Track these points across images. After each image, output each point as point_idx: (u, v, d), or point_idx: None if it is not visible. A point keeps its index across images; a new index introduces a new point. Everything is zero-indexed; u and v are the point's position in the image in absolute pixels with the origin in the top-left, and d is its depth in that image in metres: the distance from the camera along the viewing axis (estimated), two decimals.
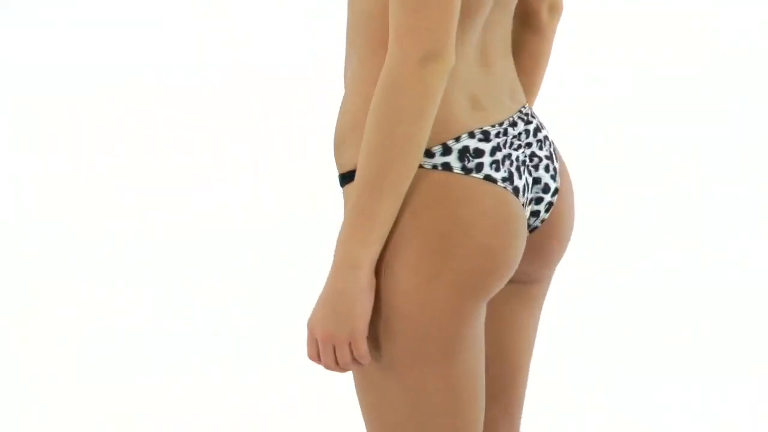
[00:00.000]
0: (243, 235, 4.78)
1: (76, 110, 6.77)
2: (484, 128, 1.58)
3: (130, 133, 6.30)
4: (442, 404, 1.58)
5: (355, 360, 1.55)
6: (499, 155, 1.58)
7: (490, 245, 1.55)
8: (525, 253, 1.69)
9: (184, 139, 6.22)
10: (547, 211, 1.67)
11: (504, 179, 1.59)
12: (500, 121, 1.61)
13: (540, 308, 1.79)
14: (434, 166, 1.55)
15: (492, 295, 1.59)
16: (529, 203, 1.65)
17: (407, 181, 1.49)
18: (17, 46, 8.28)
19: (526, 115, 1.67)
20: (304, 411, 3.30)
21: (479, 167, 1.56)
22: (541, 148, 1.67)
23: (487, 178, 1.57)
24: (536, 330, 1.80)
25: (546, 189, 1.66)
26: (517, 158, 1.62)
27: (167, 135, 6.30)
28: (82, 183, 5.48)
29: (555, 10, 1.75)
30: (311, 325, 1.54)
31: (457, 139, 1.56)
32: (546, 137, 1.69)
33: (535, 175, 1.65)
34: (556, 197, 1.68)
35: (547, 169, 1.67)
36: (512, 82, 1.67)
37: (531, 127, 1.66)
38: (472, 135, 1.57)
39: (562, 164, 1.71)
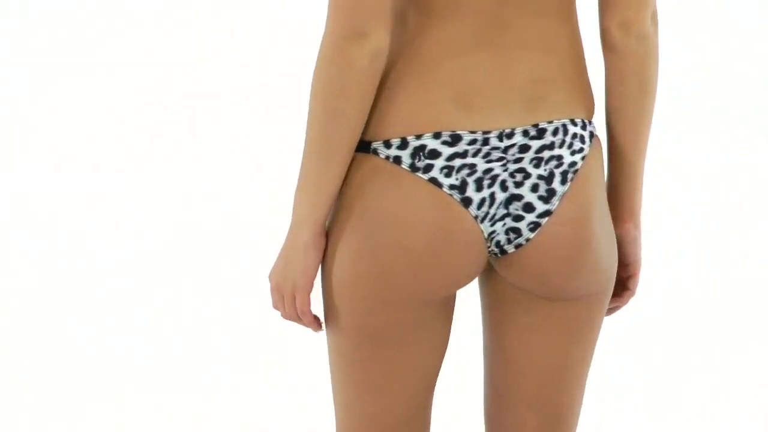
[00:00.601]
0: (241, 235, 4.80)
1: (77, 110, 6.76)
2: (457, 132, 1.58)
3: (130, 133, 6.29)
4: (363, 394, 1.70)
5: (309, 317, 1.67)
6: (457, 162, 1.59)
7: (410, 246, 1.59)
8: (509, 269, 1.67)
9: (184, 139, 6.21)
10: (532, 230, 1.63)
11: (453, 186, 1.59)
12: (492, 128, 1.60)
13: (580, 333, 1.74)
14: (387, 157, 1.59)
15: (426, 297, 1.63)
16: (498, 219, 1.62)
17: (341, 153, 1.58)
18: (14, 45, 8.25)
19: (541, 130, 1.62)
20: (304, 411, 3.30)
21: (428, 168, 1.58)
22: (537, 167, 1.61)
23: (432, 180, 1.59)
24: (579, 353, 1.76)
25: (528, 208, 1.62)
26: (488, 170, 1.60)
27: (166, 134, 6.29)
28: (82, 183, 5.47)
29: (628, 28, 1.65)
30: (269, 275, 1.68)
31: (419, 137, 1.58)
32: (557, 158, 1.62)
33: (514, 191, 1.62)
34: (546, 219, 1.63)
35: (535, 188, 1.62)
36: (539, 90, 1.62)
37: (536, 144, 1.61)
38: (437, 136, 1.58)
39: (580, 191, 1.65)
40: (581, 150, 1.64)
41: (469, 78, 1.59)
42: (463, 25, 1.60)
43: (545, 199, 1.63)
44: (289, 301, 1.67)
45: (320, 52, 1.55)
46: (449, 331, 1.74)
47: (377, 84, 1.57)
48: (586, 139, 1.65)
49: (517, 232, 1.64)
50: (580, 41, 1.69)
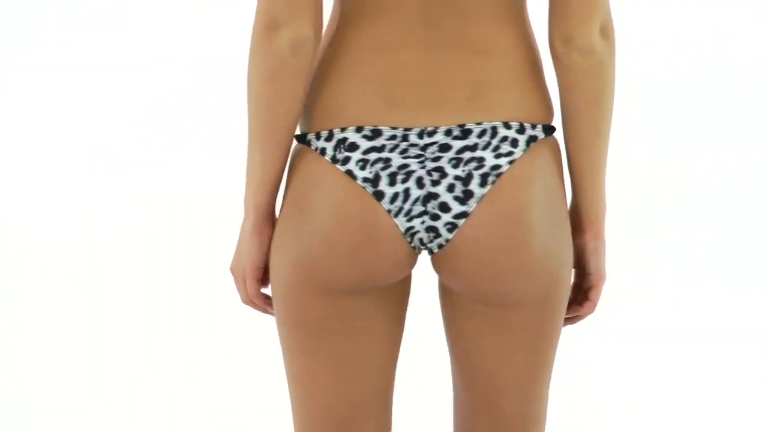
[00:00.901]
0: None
1: (76, 111, 6.78)
2: (379, 127, 1.62)
3: (130, 133, 6.30)
4: (298, 386, 1.75)
5: (259, 302, 1.75)
6: (372, 156, 1.62)
7: (328, 236, 1.63)
8: (440, 268, 1.68)
9: (184, 138, 6.22)
10: (450, 231, 1.63)
11: (366, 179, 1.62)
12: (414, 125, 1.62)
13: (525, 340, 1.73)
14: (316, 148, 1.65)
15: (354, 288, 1.66)
16: (416, 215, 1.63)
17: (274, 140, 1.65)
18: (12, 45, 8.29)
19: (466, 131, 1.62)
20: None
21: (346, 160, 1.63)
22: (456, 167, 1.62)
23: (349, 172, 1.62)
24: (526, 360, 1.74)
25: (444, 208, 1.62)
26: (403, 166, 1.62)
27: (164, 134, 6.30)
28: (82, 182, 5.49)
29: (570, 41, 1.64)
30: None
31: (343, 130, 1.63)
32: (478, 159, 1.62)
33: (431, 189, 1.62)
34: (463, 221, 1.63)
35: (451, 188, 1.62)
36: (472, 92, 1.63)
37: (458, 144, 1.62)
38: (359, 129, 1.63)
39: (504, 195, 1.63)
40: (509, 154, 1.63)
41: (397, 75, 1.62)
42: (393, 23, 1.62)
43: (461, 200, 1.63)
44: (242, 287, 1.74)
45: (250, 39, 1.62)
46: (399, 329, 1.75)
47: (305, 72, 1.62)
48: (520, 143, 1.63)
49: (435, 231, 1.64)
50: (531, 45, 1.68)
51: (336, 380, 1.72)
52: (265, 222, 1.70)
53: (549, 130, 1.68)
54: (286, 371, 1.77)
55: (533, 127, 1.65)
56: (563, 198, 1.70)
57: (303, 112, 1.68)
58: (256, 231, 1.70)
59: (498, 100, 1.63)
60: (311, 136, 1.65)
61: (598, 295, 1.78)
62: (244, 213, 1.71)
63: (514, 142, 1.63)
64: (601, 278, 1.78)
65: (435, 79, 1.62)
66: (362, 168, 1.62)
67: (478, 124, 1.62)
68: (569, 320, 1.83)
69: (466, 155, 1.62)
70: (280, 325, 1.72)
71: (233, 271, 1.74)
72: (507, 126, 1.63)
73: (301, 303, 1.68)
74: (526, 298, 1.67)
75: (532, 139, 1.64)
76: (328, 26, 1.66)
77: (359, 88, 1.62)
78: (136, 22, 8.99)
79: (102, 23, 8.94)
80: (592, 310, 1.80)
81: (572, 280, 1.79)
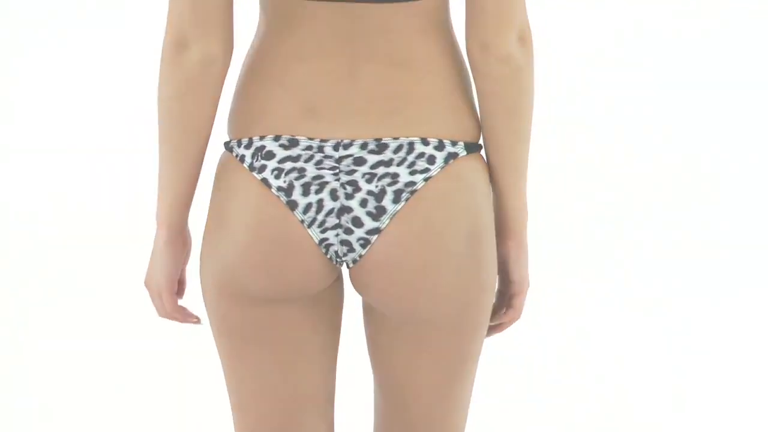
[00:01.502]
0: None
1: (76, 110, 6.75)
2: (296, 137, 1.61)
3: (131, 134, 6.28)
4: (234, 396, 1.75)
5: (180, 315, 1.75)
6: (287, 165, 1.61)
7: (244, 242, 1.62)
8: (355, 282, 1.67)
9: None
10: (363, 246, 1.62)
11: (280, 188, 1.61)
12: (331, 137, 1.61)
13: (437, 357, 1.71)
14: (237, 155, 1.64)
15: (272, 297, 1.65)
16: (330, 228, 1.62)
17: (184, 155, 1.65)
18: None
19: (382, 146, 1.61)
20: None
21: (262, 168, 1.61)
22: (369, 182, 1.60)
23: (264, 181, 1.61)
24: (440, 377, 1.73)
25: (357, 222, 1.61)
26: (317, 177, 1.61)
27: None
28: (83, 183, 5.47)
29: (487, 49, 1.61)
30: None
31: (262, 138, 1.62)
32: (392, 175, 1.60)
33: (345, 203, 1.61)
34: (375, 237, 1.61)
35: (364, 203, 1.60)
36: (391, 105, 1.62)
37: (372, 159, 1.60)
38: (277, 138, 1.62)
39: (417, 212, 1.62)
40: (425, 171, 1.61)
41: (317, 85, 1.62)
42: (314, 33, 1.62)
43: (374, 216, 1.61)
44: (157, 302, 1.74)
45: (161, 55, 1.63)
46: (334, 337, 1.75)
47: (215, 90, 1.62)
48: (438, 159, 1.61)
49: (349, 245, 1.63)
50: (458, 59, 1.66)
51: (267, 389, 1.72)
52: (179, 236, 1.71)
53: (473, 147, 1.65)
54: (225, 382, 1.79)
55: (453, 144, 1.62)
56: (488, 217, 1.67)
57: (229, 119, 1.68)
58: (170, 245, 1.71)
59: (417, 115, 1.62)
60: (233, 143, 1.65)
61: (522, 303, 1.77)
62: (156, 227, 1.71)
63: (431, 159, 1.61)
64: (524, 286, 1.76)
65: (354, 91, 1.61)
66: (277, 177, 1.61)
67: (395, 139, 1.61)
68: (494, 328, 1.81)
69: (380, 170, 1.60)
70: (213, 334, 1.72)
71: (147, 286, 1.74)
72: (425, 142, 1.61)
73: (225, 312, 1.68)
74: (439, 317, 1.66)
75: (451, 156, 1.62)
76: (255, 34, 1.66)
77: (279, 97, 1.62)
78: (138, 21, 8.97)
79: (103, 23, 8.93)
80: (516, 318, 1.78)
81: (496, 288, 1.76)
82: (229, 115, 1.68)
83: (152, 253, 1.72)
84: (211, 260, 1.66)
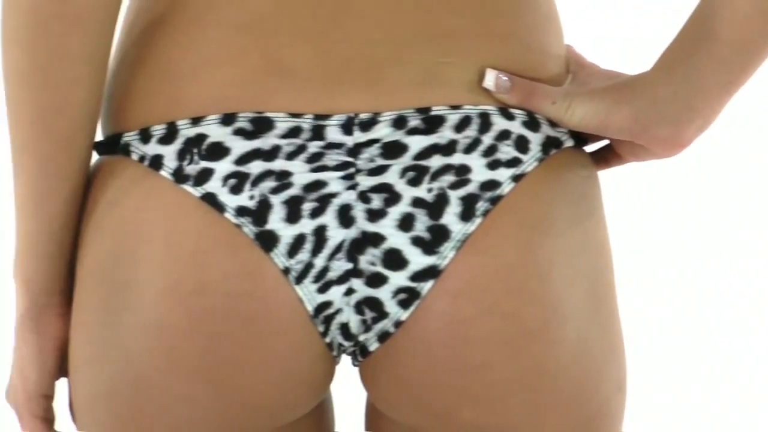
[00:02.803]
0: None
1: None
2: (266, 114, 0.87)
3: None
4: None
5: None
6: (255, 166, 0.87)
7: (169, 325, 0.87)
8: (378, 381, 0.92)
9: None
10: (405, 305, 0.89)
11: (242, 211, 0.87)
12: (333, 110, 0.87)
13: None
14: (142, 158, 0.89)
15: (199, 429, 0.90)
16: (337, 280, 0.88)
17: (50, 162, 0.89)
18: None
19: (433, 120, 0.88)
20: None
21: (203, 177, 0.87)
22: (416, 183, 0.87)
23: (208, 198, 0.87)
24: None
25: (394, 260, 0.88)
26: (315, 185, 0.87)
27: None
28: None
29: None
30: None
31: (196, 121, 0.87)
32: (459, 170, 0.88)
33: (368, 228, 0.88)
34: (430, 284, 0.88)
35: (406, 224, 0.87)
36: (437, 50, 0.88)
37: (419, 142, 0.88)
38: (228, 119, 0.87)
39: (504, 237, 0.89)
40: (516, 163, 0.89)
41: (293, 21, 0.88)
42: None
43: (427, 246, 0.88)
44: (21, 423, 0.99)
45: None
46: None
47: (113, 21, 0.87)
48: (533, 144, 0.90)
49: (376, 307, 0.89)
50: None
51: None
52: (49, 309, 0.95)
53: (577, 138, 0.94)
54: None
55: (552, 125, 0.92)
56: (607, 254, 0.95)
57: (109, 100, 0.94)
58: (32, 328, 0.95)
59: (492, 59, 0.90)
60: (130, 137, 0.90)
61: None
62: (16, 290, 0.97)
63: (522, 143, 0.89)
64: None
65: (359, 29, 0.88)
66: (235, 190, 0.87)
67: (455, 107, 0.88)
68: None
69: (435, 161, 0.88)
70: None
71: (7, 397, 1.00)
72: (506, 114, 0.89)
73: None
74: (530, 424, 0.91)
75: (552, 143, 0.91)
76: None
77: (221, 43, 0.88)
78: None
79: None
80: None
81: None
82: (110, 93, 0.93)
83: (15, 340, 0.97)
84: (98, 374, 0.91)
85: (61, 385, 0.98)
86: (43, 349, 0.95)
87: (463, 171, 0.87)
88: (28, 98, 0.87)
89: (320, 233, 0.86)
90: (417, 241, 0.87)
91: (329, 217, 0.86)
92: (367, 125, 0.86)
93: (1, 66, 0.88)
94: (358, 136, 0.86)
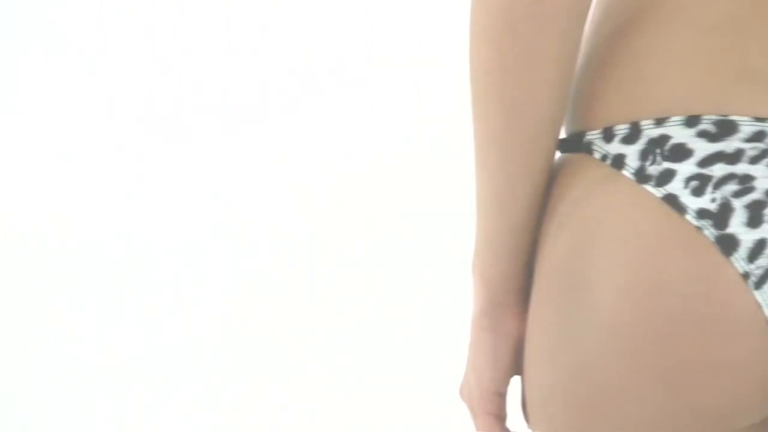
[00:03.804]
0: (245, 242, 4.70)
1: (77, 111, 6.69)
2: (730, 117, 0.90)
3: (134, 135, 6.21)
4: None
5: None
6: (717, 168, 0.90)
7: (622, 323, 0.90)
8: None
9: (187, 140, 6.13)
10: None
11: (703, 213, 0.89)
12: None
13: None
14: (604, 157, 0.93)
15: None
16: None
17: (518, 156, 0.94)
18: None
19: None
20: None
21: (666, 177, 0.90)
22: None
23: (670, 200, 0.90)
24: None
25: None
26: None
27: (170, 136, 6.21)
28: (86, 185, 5.40)
29: None
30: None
31: (660, 121, 0.91)
32: None
33: None
34: None
35: None
36: None
37: None
38: (691, 121, 0.90)
39: None
40: None
41: (762, 24, 0.92)
42: None
43: None
44: (475, 421, 1.05)
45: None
46: None
47: (573, 23, 0.91)
48: None
49: None
50: None
51: None
52: (505, 308, 0.99)
53: None
54: None
55: None
56: None
57: (576, 96, 0.97)
58: (488, 325, 1.00)
59: None
60: (593, 136, 0.94)
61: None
62: (474, 287, 1.01)
63: None
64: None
65: None
66: (697, 192, 0.90)
67: None
68: None
69: None
70: None
71: (461, 393, 1.05)
72: None
73: None
74: None
75: None
76: None
77: (689, 44, 0.92)
78: (143, 21, 8.96)
79: (105, 22, 8.91)
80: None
81: None
82: (576, 92, 0.97)
83: (470, 336, 1.03)
84: (552, 360, 0.94)
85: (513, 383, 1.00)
86: (498, 347, 0.99)
87: None
88: (495, 96, 0.90)
89: None
90: None
91: None
92: None
93: (468, 62, 0.91)
94: None
